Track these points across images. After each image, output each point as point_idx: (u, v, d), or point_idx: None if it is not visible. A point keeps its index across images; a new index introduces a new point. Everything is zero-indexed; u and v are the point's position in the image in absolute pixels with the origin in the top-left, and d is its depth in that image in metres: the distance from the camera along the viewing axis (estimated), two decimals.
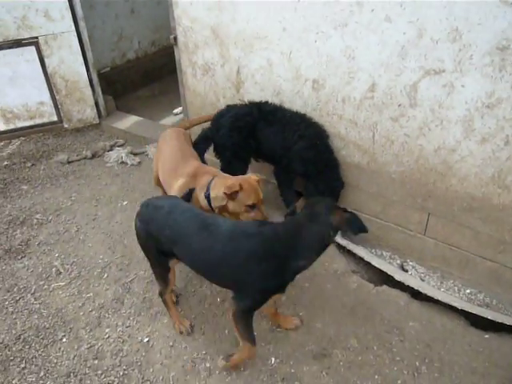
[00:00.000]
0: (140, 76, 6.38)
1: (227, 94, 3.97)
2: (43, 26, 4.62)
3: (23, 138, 5.21)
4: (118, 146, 4.94)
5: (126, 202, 4.12)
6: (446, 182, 3.11)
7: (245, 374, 2.63)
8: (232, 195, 2.70)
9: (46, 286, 3.30)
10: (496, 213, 2.99)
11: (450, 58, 2.72)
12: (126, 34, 6.13)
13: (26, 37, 4.62)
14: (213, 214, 2.79)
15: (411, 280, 3.11)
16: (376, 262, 3.22)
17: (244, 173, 3.65)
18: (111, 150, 4.88)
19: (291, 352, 2.71)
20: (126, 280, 3.30)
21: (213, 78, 4.00)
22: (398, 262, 3.61)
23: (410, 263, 3.57)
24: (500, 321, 2.83)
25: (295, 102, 3.56)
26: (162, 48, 6.73)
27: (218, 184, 2.80)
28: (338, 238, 3.51)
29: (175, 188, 2.96)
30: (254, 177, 2.85)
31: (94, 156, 4.83)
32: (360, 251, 3.37)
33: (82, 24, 4.83)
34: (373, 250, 3.70)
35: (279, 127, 3.40)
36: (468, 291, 3.35)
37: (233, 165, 3.62)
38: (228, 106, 3.64)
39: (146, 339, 2.86)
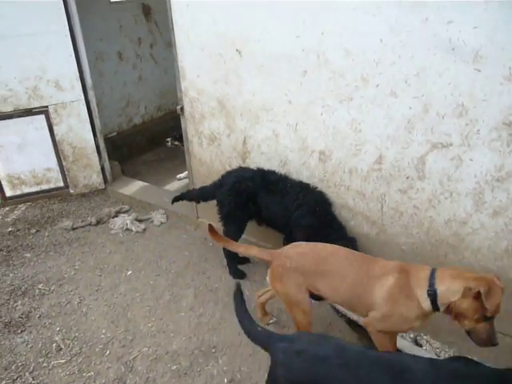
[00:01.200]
0: (146, 140, 6.48)
1: (233, 163, 3.99)
2: (53, 95, 4.73)
3: (29, 204, 5.20)
4: (123, 212, 4.92)
5: (130, 272, 4.04)
6: (458, 255, 3.04)
7: None
8: (482, 294, 2.14)
9: (45, 364, 3.15)
10: None
11: (457, 133, 2.73)
12: (133, 99, 6.30)
13: (36, 106, 4.73)
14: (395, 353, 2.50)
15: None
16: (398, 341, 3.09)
17: (237, 234, 3.73)
18: (116, 216, 4.85)
19: None
20: (128, 358, 3.16)
21: (219, 148, 4.03)
22: (412, 336, 3.47)
23: (424, 337, 3.43)
24: None
25: (302, 172, 3.57)
26: (168, 112, 6.88)
27: (448, 276, 2.35)
28: (349, 313, 3.40)
29: (383, 289, 2.45)
30: (496, 280, 2.26)
31: (98, 222, 4.80)
32: None
33: (91, 93, 4.95)
34: None
35: (279, 197, 3.44)
36: None
37: (228, 224, 3.73)
38: (239, 168, 3.77)
39: None
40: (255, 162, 3.81)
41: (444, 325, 3.29)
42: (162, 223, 4.77)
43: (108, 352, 3.23)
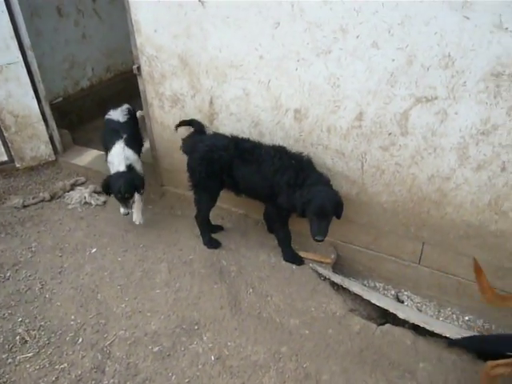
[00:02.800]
0: (96, 105, 5.95)
1: None
2: None
3: None
4: (79, 185, 4.55)
5: (94, 250, 3.74)
6: (441, 211, 2.99)
7: None
8: None
9: (10, 360, 2.87)
10: (493, 239, 2.91)
11: (443, 85, 2.61)
12: (78, 60, 5.72)
13: None
14: None
15: (415, 317, 2.94)
16: (376, 300, 3.04)
17: (209, 203, 3.55)
18: (72, 189, 4.48)
19: None
20: (104, 343, 2.94)
21: (182, 110, 3.73)
22: (393, 292, 3.48)
23: (405, 293, 3.45)
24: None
25: (276, 133, 3.36)
26: (118, 73, 6.36)
27: None
28: (332, 274, 3.33)
29: None
30: None
31: (52, 198, 4.41)
32: (356, 289, 3.18)
33: (29, 53, 4.42)
34: (365, 282, 3.55)
35: (256, 166, 3.19)
36: (467, 318, 3.27)
37: (199, 193, 3.52)
38: (214, 135, 3.49)
39: None
40: (224, 123, 3.55)
41: (424, 280, 3.31)
42: None
43: (80, 340, 2.99)
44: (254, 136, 3.46)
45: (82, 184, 4.60)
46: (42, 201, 4.39)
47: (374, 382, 2.61)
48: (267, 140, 3.40)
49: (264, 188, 3.21)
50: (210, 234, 3.69)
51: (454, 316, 3.26)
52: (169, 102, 3.76)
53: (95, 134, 5.68)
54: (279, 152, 3.19)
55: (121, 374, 2.75)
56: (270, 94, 3.23)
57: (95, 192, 4.42)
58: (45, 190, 4.56)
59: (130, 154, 3.89)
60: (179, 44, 3.41)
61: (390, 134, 2.91)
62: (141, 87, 3.87)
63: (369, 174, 3.13)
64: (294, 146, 3.31)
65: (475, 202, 2.85)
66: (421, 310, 3.31)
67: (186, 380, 2.68)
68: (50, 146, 4.82)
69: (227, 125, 3.55)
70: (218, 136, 3.42)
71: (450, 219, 2.97)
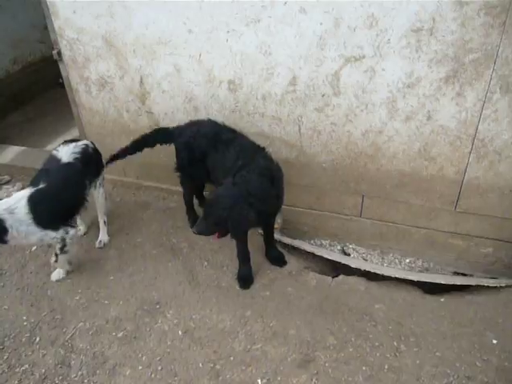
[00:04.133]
0: (6, 100, 5.57)
1: (131, 107, 3.63)
2: None
3: None
4: (5, 184, 4.27)
5: (34, 248, 3.56)
6: (376, 163, 3.20)
7: None
8: None
9: None
10: (425, 184, 3.17)
11: (369, 44, 2.77)
12: None
13: None
14: None
15: (366, 265, 3.16)
16: (327, 255, 3.22)
17: (191, 189, 3.51)
18: None
19: (275, 367, 2.58)
20: (64, 338, 2.84)
21: (111, 93, 3.62)
22: (339, 247, 3.68)
23: (350, 246, 3.67)
24: (451, 283, 3.01)
25: (211, 106, 3.38)
26: (27, 65, 5.95)
27: None
28: (281, 237, 3.45)
29: None
30: None
31: None
32: (307, 247, 3.34)
33: None
34: (312, 241, 3.72)
35: (221, 157, 3.04)
36: (407, 260, 3.54)
37: (183, 176, 3.40)
38: (203, 121, 3.28)
39: None
40: (157, 102, 3.50)
41: (366, 231, 3.54)
42: None
43: (38, 338, 2.86)
44: (189, 111, 3.46)
45: (7, 183, 4.32)
46: None
47: (337, 329, 2.78)
48: (202, 114, 3.41)
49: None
50: (194, 219, 3.57)
51: (397, 260, 3.52)
52: (96, 86, 3.63)
53: (11, 130, 5.35)
54: (250, 149, 3.01)
55: (88, 365, 2.68)
56: (202, 68, 3.23)
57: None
58: None
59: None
60: (102, 24, 3.29)
61: (323, 95, 3.05)
62: (63, 73, 3.69)
63: (306, 137, 3.26)
64: (229, 117, 3.36)
65: (406, 151, 3.08)
66: (366, 260, 3.54)
67: (157, 358, 2.68)
68: None
69: (160, 103, 3.50)
70: (205, 123, 3.24)
71: (386, 170, 3.19)
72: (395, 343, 2.69)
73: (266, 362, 2.62)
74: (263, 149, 3.02)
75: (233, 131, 3.16)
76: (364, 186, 3.33)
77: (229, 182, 2.77)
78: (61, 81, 6.18)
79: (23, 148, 4.71)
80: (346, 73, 2.91)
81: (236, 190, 2.72)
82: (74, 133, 5.06)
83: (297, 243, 3.38)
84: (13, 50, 5.76)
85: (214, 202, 2.76)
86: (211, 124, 3.22)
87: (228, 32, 3.01)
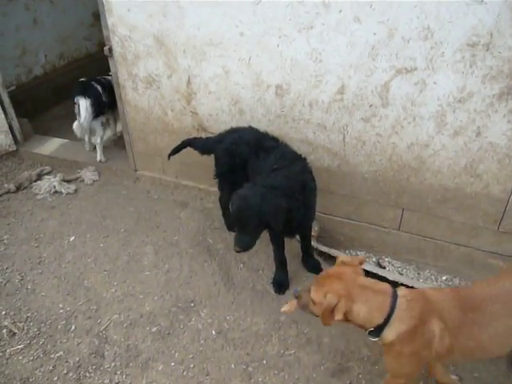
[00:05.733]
0: (51, 93, 5.72)
1: (176, 106, 3.68)
2: None
3: None
4: (46, 175, 4.37)
5: (73, 238, 3.63)
6: (419, 177, 3.16)
7: None
8: None
9: (0, 354, 2.77)
10: (469, 201, 3.11)
11: (422, 56, 2.75)
12: (30, 47, 5.44)
13: None
14: None
15: (403, 279, 3.12)
16: (364, 266, 3.17)
17: (229, 194, 3.31)
18: (39, 179, 4.30)
19: (308, 374, 2.57)
20: (99, 328, 2.89)
21: (158, 91, 3.67)
22: (374, 259, 3.63)
23: (386, 259, 3.61)
24: None
25: (256, 109, 3.40)
26: (72, 61, 6.11)
27: None
28: (318, 245, 3.44)
29: None
30: None
31: (18, 189, 4.21)
32: (344, 256, 3.31)
33: None
34: (347, 252, 3.69)
35: (261, 165, 2.98)
36: (444, 278, 3.47)
37: (221, 183, 3.36)
38: (244, 128, 3.26)
39: None
40: (202, 102, 3.54)
41: (404, 245, 3.49)
42: (94, 181, 4.34)
43: (73, 327, 2.93)
44: (233, 113, 3.49)
45: (48, 173, 4.42)
46: (8, 192, 4.19)
47: (372, 341, 2.74)
48: (247, 117, 3.44)
49: None
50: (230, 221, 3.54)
51: (433, 277, 3.46)
52: (143, 84, 3.69)
53: (54, 122, 5.49)
54: (289, 157, 2.98)
55: (121, 357, 2.72)
56: (251, 71, 3.26)
57: (64, 180, 4.27)
58: (8, 181, 4.35)
59: None
60: (154, 23, 3.35)
61: (371, 105, 3.03)
62: (112, 69, 3.77)
63: (350, 146, 3.25)
64: (274, 122, 3.38)
65: (452, 166, 3.03)
66: (402, 274, 3.49)
67: (190, 356, 2.70)
68: (10, 136, 4.58)
69: (206, 104, 3.54)
70: (247, 130, 3.22)
71: (429, 184, 3.15)
72: None
73: (299, 368, 2.60)
74: (304, 159, 3.00)
75: (275, 139, 3.13)
76: (405, 199, 3.29)
77: (248, 184, 2.76)
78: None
79: (65, 141, 4.81)
80: (395, 84, 2.89)
81: (257, 187, 2.68)
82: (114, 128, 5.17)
83: (334, 252, 3.35)
84: (61, 45, 5.92)
85: (239, 209, 2.63)
86: (253, 131, 3.20)
87: (280, 37, 3.03)
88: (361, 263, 2.14)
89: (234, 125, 3.39)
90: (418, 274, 3.50)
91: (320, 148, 3.35)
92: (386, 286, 2.01)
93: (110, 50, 3.63)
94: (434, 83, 2.80)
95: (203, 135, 3.64)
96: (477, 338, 1.93)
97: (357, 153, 3.25)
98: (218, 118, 3.55)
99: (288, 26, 2.97)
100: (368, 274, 3.24)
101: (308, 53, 3.01)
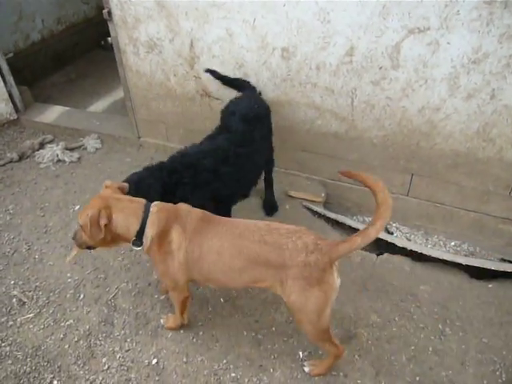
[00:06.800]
0: (50, 60, 5.59)
1: (179, 71, 3.57)
2: None
3: None
4: (48, 143, 4.31)
5: (78, 206, 3.60)
6: (430, 142, 3.09)
7: (276, 374, 2.44)
8: None
9: (11, 323, 2.77)
10: (480, 166, 3.05)
11: (436, 15, 2.63)
12: (27, 12, 5.27)
13: None
14: None
15: (412, 245, 3.09)
16: None
17: None
18: (41, 148, 4.24)
19: None
20: (107, 297, 2.89)
21: (160, 56, 3.56)
22: None
23: (394, 225, 3.59)
24: (502, 269, 2.92)
25: (262, 73, 3.30)
26: (70, 25, 5.93)
27: None
28: (325, 211, 3.40)
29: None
30: None
31: (21, 158, 4.16)
32: (351, 222, 3.28)
33: None
34: (354, 218, 3.66)
35: None
36: (453, 243, 3.45)
37: None
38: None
39: (154, 361, 2.53)
40: (206, 66, 3.42)
41: (412, 211, 3.45)
42: (97, 149, 4.28)
43: (82, 296, 2.93)
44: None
45: (50, 142, 4.36)
46: (11, 161, 4.15)
47: (381, 307, 2.75)
48: (253, 81, 3.32)
49: None
50: None
51: (441, 242, 3.43)
52: (144, 48, 3.58)
53: (53, 89, 5.39)
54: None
55: (131, 325, 2.73)
56: (256, 34, 3.14)
57: (67, 149, 4.21)
58: (10, 150, 4.29)
59: None
60: None
61: (380, 67, 2.93)
62: (112, 33, 3.64)
63: (359, 110, 3.16)
64: (280, 86, 3.29)
65: (464, 130, 2.95)
66: (410, 240, 3.46)
67: (199, 323, 2.71)
68: (11, 104, 4.50)
69: (209, 67, 3.43)
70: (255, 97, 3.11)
71: (439, 149, 3.08)
72: (440, 326, 2.65)
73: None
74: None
75: None
76: (414, 164, 3.23)
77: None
78: (102, 43, 6.23)
79: (66, 108, 4.73)
80: (407, 45, 2.78)
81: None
82: (116, 95, 5.09)
83: (341, 218, 3.32)
84: (58, 9, 5.75)
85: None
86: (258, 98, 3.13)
87: None
88: (121, 189, 2.26)
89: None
90: (426, 239, 3.48)
91: (327, 113, 3.26)
92: (141, 199, 2.20)
93: (109, 13, 3.49)
94: (448, 43, 2.69)
95: (207, 100, 3.56)
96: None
97: (365, 117, 3.17)
98: None
99: None
100: (376, 240, 3.23)
101: (315, 13, 2.88)
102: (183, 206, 2.25)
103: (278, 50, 3.14)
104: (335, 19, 2.86)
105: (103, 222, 2.05)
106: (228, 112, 2.92)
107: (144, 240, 2.14)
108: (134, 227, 2.12)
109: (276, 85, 3.29)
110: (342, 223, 3.34)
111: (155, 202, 2.19)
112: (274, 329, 2.65)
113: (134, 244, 2.16)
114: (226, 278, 2.17)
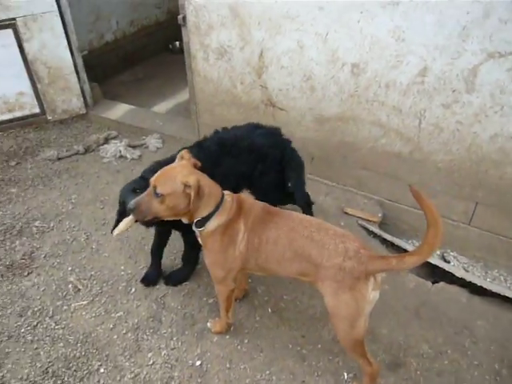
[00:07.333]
0: (120, 59, 5.84)
1: (246, 79, 3.62)
2: (22, 5, 4.02)
3: (0, 133, 4.60)
4: (113, 139, 4.47)
5: None
6: (500, 170, 2.96)
7: None
8: None
9: (65, 307, 2.88)
10: None
11: None
12: (104, 13, 5.54)
13: (2, 18, 4.01)
14: None
15: (472, 277, 2.96)
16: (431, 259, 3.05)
17: None
18: (106, 143, 4.41)
19: None
20: (158, 294, 2.95)
21: (229, 63, 3.63)
22: (438, 252, 3.48)
23: (451, 254, 3.46)
24: None
25: (329, 87, 3.28)
26: (142, 28, 6.18)
27: None
28: (381, 232, 3.33)
29: None
30: None
31: (86, 151, 4.34)
32: (408, 246, 3.19)
33: (64, 2, 4.26)
34: (410, 242, 3.55)
35: None
36: None
37: None
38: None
39: (197, 362, 2.55)
40: (273, 77, 3.46)
41: (473, 241, 3.31)
42: (158, 148, 4.40)
43: (133, 290, 2.99)
44: (304, 90, 3.39)
45: (114, 138, 4.52)
46: (76, 154, 4.33)
47: (433, 337, 2.65)
48: (319, 94, 3.32)
49: None
50: None
51: (502, 278, 3.27)
52: (214, 55, 3.65)
53: (121, 88, 5.60)
54: None
55: (178, 324, 2.76)
56: (327, 47, 3.13)
57: (130, 146, 4.35)
58: (76, 143, 4.49)
59: None
60: None
61: (454, 90, 2.84)
62: (184, 38, 3.75)
63: (426, 132, 3.08)
64: (347, 102, 3.26)
65: None
66: (467, 271, 3.32)
67: (245, 331, 2.70)
68: (82, 99, 4.72)
69: (277, 78, 3.46)
70: None
71: (510, 179, 2.94)
72: (496, 366, 2.51)
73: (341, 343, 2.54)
74: None
75: None
76: (480, 192, 3.10)
77: None
78: (170, 46, 6.43)
79: (132, 107, 4.90)
80: (485, 69, 2.69)
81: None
82: (180, 97, 5.22)
83: (397, 241, 3.23)
84: (132, 12, 6.00)
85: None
86: None
87: (361, 12, 2.88)
88: (194, 164, 2.16)
89: (304, 101, 3.31)
90: (486, 272, 3.33)
91: (392, 132, 3.20)
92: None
93: (184, 18, 3.60)
94: None
95: (271, 110, 3.58)
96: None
97: (432, 140, 3.08)
98: (288, 93, 3.46)
99: (371, 0, 2.81)
100: (432, 267, 3.13)
101: (390, 30, 2.85)
102: (247, 198, 2.28)
103: (348, 65, 3.12)
104: (410, 38, 2.81)
105: (207, 190, 2.04)
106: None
107: (207, 224, 2.13)
108: (208, 209, 2.10)
109: (342, 100, 3.26)
110: (397, 246, 3.25)
111: (226, 191, 2.20)
112: (319, 346, 2.61)
113: (197, 224, 2.14)
114: (279, 267, 2.19)
